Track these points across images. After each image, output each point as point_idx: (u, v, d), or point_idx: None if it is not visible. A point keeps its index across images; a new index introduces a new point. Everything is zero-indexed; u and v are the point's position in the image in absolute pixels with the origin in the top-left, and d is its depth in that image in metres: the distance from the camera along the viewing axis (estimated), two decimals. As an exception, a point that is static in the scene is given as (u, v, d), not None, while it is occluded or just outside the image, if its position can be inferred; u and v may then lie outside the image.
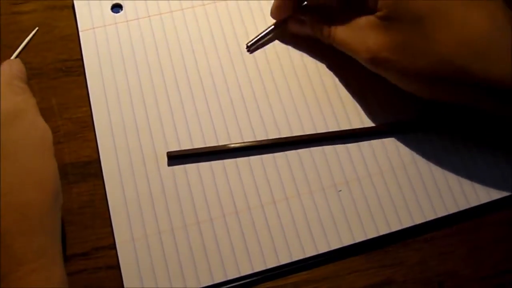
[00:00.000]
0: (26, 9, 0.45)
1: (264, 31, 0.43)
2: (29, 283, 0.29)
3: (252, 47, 0.43)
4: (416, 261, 0.39)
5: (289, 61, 0.43)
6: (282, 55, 0.43)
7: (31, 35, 0.44)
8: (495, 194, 0.40)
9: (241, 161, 0.40)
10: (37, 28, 0.44)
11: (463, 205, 0.39)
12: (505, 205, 0.40)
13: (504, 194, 0.40)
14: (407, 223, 0.39)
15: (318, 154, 0.40)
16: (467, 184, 0.40)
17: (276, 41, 0.44)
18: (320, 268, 0.38)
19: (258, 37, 0.43)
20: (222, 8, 0.45)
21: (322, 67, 0.43)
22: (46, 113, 0.41)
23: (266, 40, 0.44)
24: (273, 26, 0.44)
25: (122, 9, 0.44)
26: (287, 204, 0.39)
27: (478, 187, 0.40)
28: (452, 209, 0.39)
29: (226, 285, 0.36)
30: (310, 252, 0.37)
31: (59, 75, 0.42)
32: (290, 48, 0.44)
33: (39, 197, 0.31)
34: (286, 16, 0.43)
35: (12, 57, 0.43)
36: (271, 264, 0.37)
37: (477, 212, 0.40)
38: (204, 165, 0.39)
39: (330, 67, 0.43)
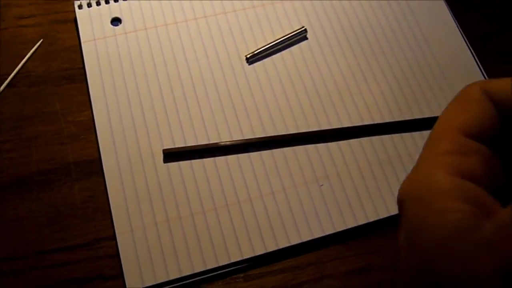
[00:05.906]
0: (31, 22, 0.49)
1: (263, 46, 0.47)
2: None
3: (251, 58, 0.47)
4: (393, 249, 0.42)
5: (276, 71, 0.47)
6: (268, 64, 0.47)
7: (36, 46, 0.47)
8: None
9: (231, 158, 0.43)
10: (41, 40, 0.47)
11: (435, 198, 0.43)
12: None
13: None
14: (383, 214, 0.42)
15: (301, 152, 0.44)
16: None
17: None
18: (304, 255, 0.41)
19: (258, 51, 0.47)
20: (213, 22, 0.49)
21: (305, 73, 0.47)
22: (51, 117, 0.44)
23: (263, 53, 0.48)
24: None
25: (121, 23, 0.48)
26: (273, 197, 0.42)
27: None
28: (425, 201, 0.43)
29: (218, 270, 0.39)
30: (295, 240, 0.41)
31: (63, 82, 0.46)
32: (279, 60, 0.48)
33: None
34: None
35: (18, 67, 0.46)
36: (259, 251, 0.40)
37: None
38: (196, 162, 0.43)
39: (311, 74, 0.47)
